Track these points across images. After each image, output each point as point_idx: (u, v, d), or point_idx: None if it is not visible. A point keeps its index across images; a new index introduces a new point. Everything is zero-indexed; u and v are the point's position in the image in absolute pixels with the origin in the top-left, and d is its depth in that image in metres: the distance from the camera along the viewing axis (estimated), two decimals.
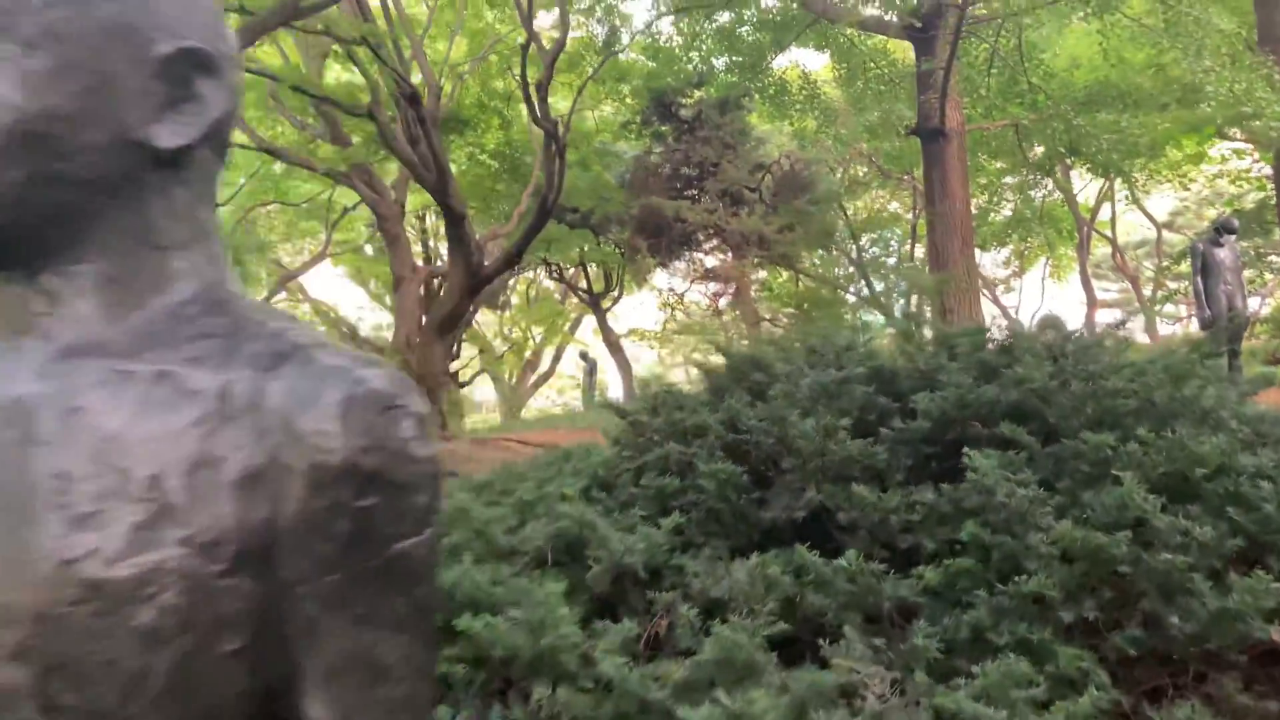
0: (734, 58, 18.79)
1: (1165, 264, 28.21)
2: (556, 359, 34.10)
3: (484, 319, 30.80)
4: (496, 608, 2.64)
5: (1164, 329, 29.32)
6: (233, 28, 1.14)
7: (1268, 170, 17.07)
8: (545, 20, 18.34)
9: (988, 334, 3.80)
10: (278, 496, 0.71)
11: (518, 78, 12.53)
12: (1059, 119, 13.19)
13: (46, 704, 0.69)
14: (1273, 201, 17.02)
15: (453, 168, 20.99)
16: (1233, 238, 12.37)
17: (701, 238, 20.76)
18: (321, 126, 14.65)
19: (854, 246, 23.97)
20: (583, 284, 25.82)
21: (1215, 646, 2.64)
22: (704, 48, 18.87)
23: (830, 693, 2.35)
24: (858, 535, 3.12)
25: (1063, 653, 2.54)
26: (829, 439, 3.13)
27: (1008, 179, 19.69)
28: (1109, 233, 30.29)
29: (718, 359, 4.11)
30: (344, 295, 42.04)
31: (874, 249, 27.80)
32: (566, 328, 32.87)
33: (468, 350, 30.16)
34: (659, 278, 22.93)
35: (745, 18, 17.99)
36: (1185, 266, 21.07)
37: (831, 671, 2.42)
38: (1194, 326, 18.15)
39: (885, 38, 16.91)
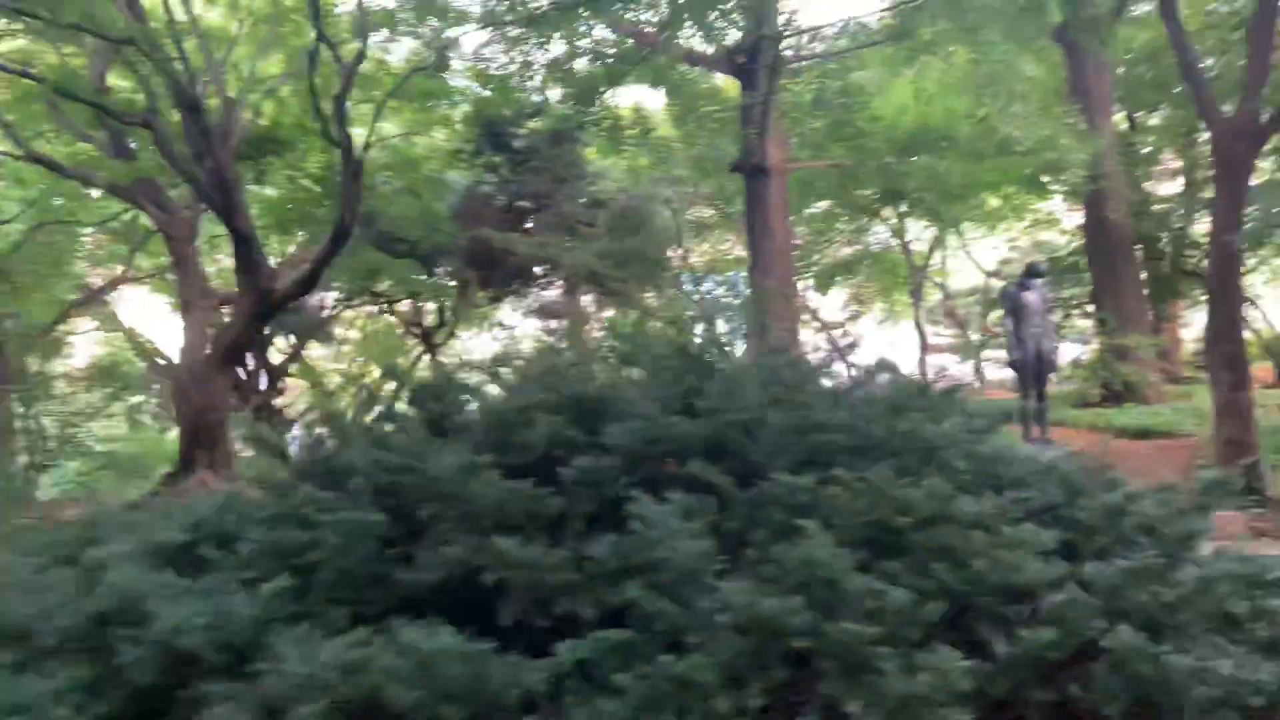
0: (567, 89, 18.40)
1: (980, 309, 29.10)
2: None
3: (322, 353, 29.46)
4: None
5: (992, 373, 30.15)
6: None
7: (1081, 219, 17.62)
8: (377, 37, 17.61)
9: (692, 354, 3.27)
10: None
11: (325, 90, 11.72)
12: (873, 160, 13.17)
13: None
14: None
15: (271, 190, 19.92)
16: (1039, 282, 12.50)
17: (536, 272, 20.21)
18: (105, 138, 13.49)
19: (696, 288, 23.85)
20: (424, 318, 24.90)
21: None
22: (537, 78, 18.43)
23: None
24: (513, 599, 2.54)
25: None
26: (472, 479, 2.54)
27: (842, 223, 19.76)
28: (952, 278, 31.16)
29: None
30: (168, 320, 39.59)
31: (719, 290, 27.85)
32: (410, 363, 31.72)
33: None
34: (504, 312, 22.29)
35: (577, 50, 17.65)
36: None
37: None
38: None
39: (722, 75, 16.81)
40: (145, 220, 19.06)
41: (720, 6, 12.81)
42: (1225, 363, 7.61)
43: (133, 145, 13.60)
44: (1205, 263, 17.27)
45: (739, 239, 27.76)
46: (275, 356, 22.14)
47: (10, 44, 13.51)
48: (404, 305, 24.04)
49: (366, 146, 11.56)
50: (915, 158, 14.29)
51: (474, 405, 3.16)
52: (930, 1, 12.74)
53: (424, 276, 20.89)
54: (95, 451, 22.59)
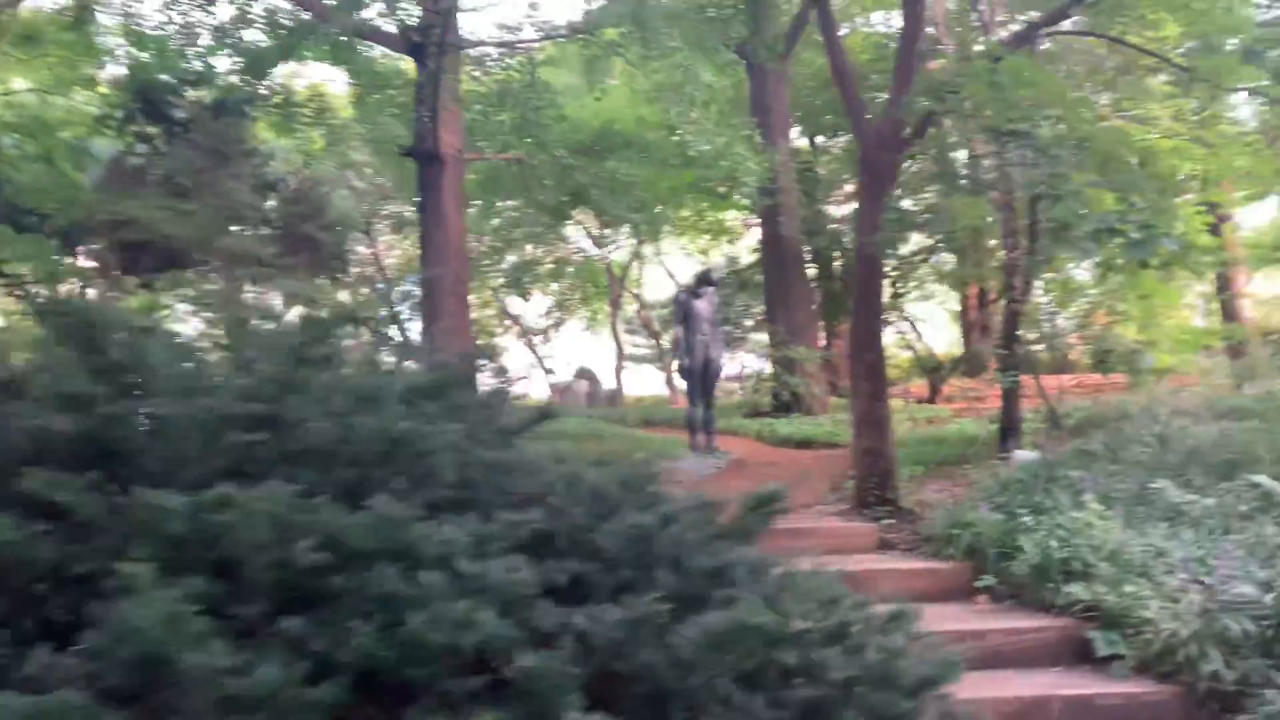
0: (236, 59, 16.70)
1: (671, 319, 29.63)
2: None
3: None
4: None
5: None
6: None
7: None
8: None
9: None
10: None
11: None
12: (549, 159, 12.65)
13: None
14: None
15: None
16: (711, 290, 12.42)
17: (195, 257, 18.24)
18: None
19: (385, 283, 22.60)
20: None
21: None
22: (202, 44, 16.61)
23: None
24: None
25: None
26: None
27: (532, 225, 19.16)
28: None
29: None
30: None
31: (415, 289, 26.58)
32: None
33: None
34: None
35: (248, 16, 16.05)
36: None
37: None
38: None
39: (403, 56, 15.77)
40: None
41: None
42: (866, 372, 7.56)
43: None
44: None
45: None
46: None
47: None
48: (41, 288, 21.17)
49: None
50: (601, 161, 13.90)
51: None
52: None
53: (62, 257, 18.37)
54: None
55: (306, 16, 14.31)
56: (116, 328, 2.19)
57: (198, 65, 16.68)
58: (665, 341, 31.43)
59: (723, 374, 12.62)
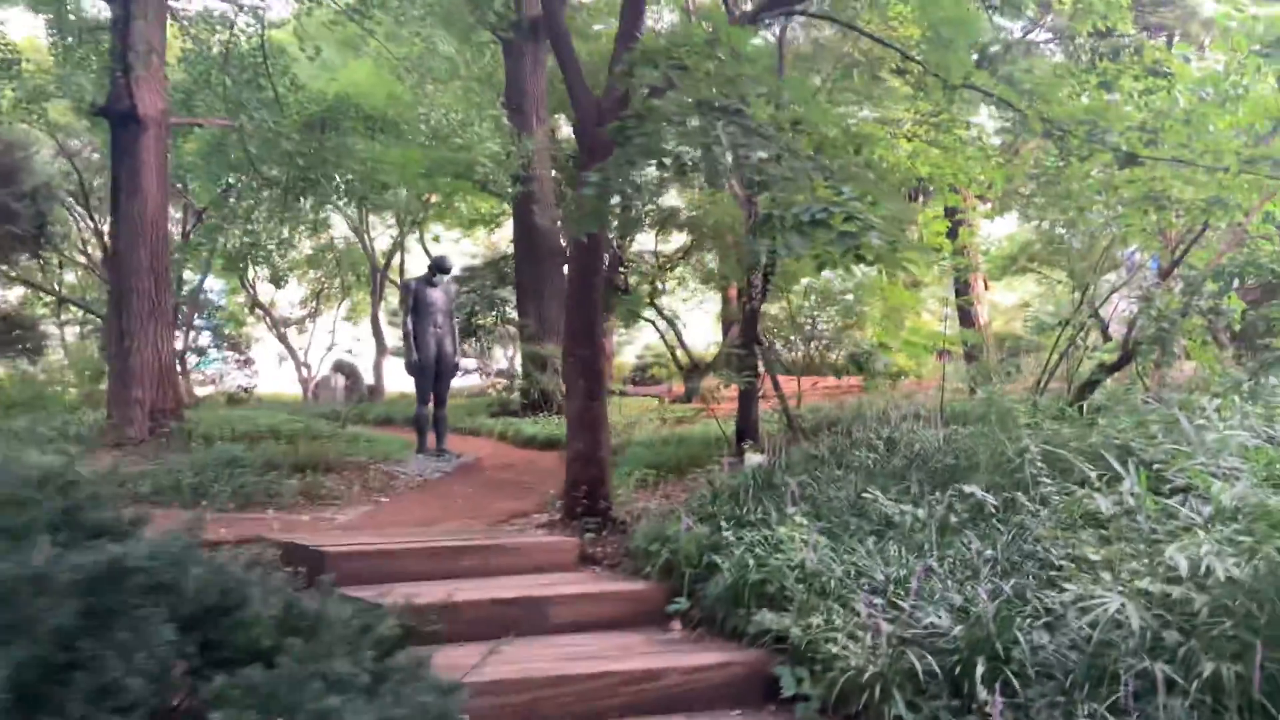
0: None
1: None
2: None
3: None
4: None
5: None
6: None
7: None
8: None
9: None
10: None
11: None
12: (283, 133, 11.38)
13: None
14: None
15: None
16: (446, 278, 11.51)
17: None
18: None
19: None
20: None
21: None
22: None
23: None
24: None
25: None
26: None
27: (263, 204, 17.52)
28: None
29: None
30: None
31: None
32: None
33: None
34: None
35: None
36: None
37: None
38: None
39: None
40: None
41: None
42: (580, 369, 6.87)
43: None
44: (634, 279, 17.68)
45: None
46: None
47: None
48: None
49: None
50: (328, 136, 12.70)
51: None
52: None
53: None
54: None
55: None
56: None
57: None
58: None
59: (459, 371, 11.71)
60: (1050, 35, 17.04)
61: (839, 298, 12.98)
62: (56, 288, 21.23)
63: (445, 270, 11.49)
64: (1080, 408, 8.90)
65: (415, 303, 11.19)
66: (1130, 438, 6.56)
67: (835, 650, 3.98)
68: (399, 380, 32.02)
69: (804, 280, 11.39)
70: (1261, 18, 9.03)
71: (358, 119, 13.14)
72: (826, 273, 11.93)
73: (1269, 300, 12.97)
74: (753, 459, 8.32)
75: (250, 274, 29.29)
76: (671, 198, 20.69)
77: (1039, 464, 6.33)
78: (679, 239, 20.80)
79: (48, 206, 15.79)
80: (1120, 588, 3.79)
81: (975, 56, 11.90)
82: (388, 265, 28.79)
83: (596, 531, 6.64)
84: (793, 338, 14.29)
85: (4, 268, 17.00)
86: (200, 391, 28.31)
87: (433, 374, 11.20)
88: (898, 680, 3.82)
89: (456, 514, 8.12)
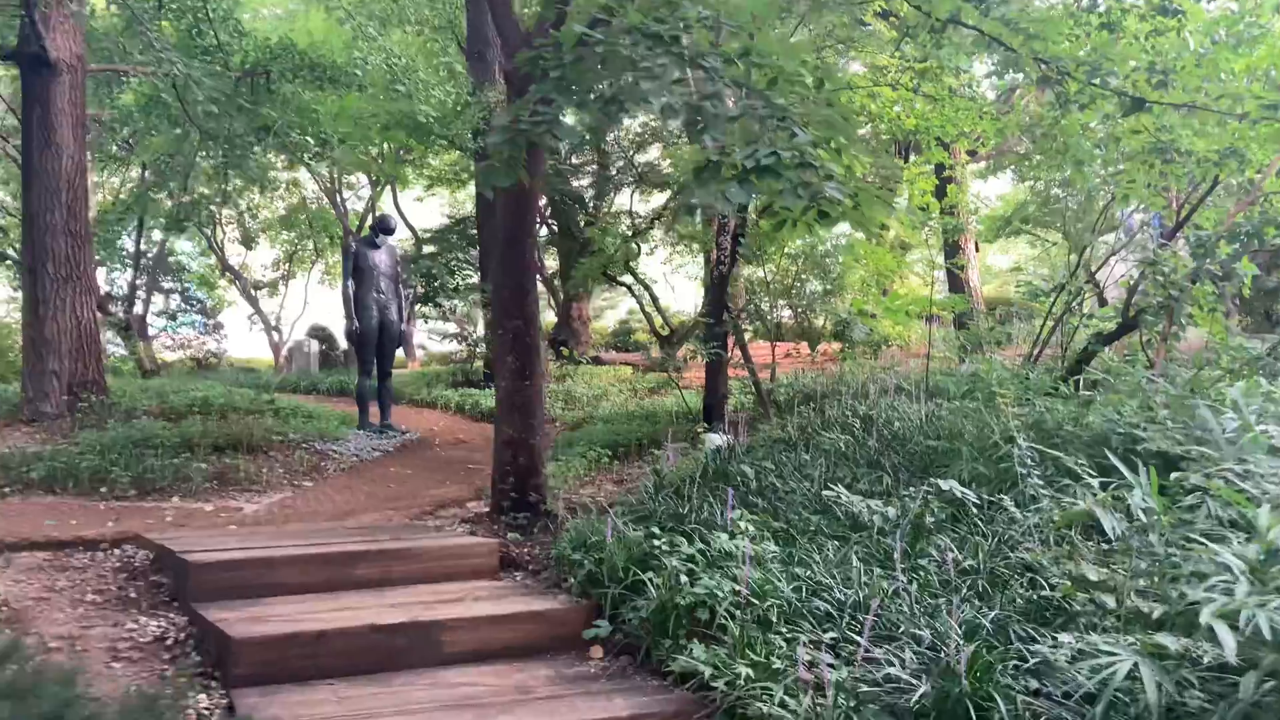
0: None
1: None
2: None
3: None
4: None
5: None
6: None
7: None
8: None
9: None
10: None
11: None
12: (197, 80, 10.36)
13: None
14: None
15: None
16: (390, 239, 10.61)
17: None
18: None
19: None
20: None
21: None
22: None
23: None
24: None
25: None
26: None
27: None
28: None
29: None
30: None
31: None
32: None
33: None
34: None
35: None
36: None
37: None
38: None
39: None
40: None
41: None
42: (511, 344, 6.02)
43: None
44: (610, 241, 16.73)
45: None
46: None
47: None
48: None
49: None
50: (270, 86, 11.72)
51: None
52: None
53: None
54: None
55: None
56: None
57: None
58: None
59: (401, 338, 10.84)
60: None
61: (822, 261, 12.11)
62: None
63: (388, 231, 10.59)
64: (1076, 382, 8.09)
65: (357, 266, 10.31)
66: (1135, 422, 5.74)
67: (767, 710, 3.15)
68: None
69: (799, 241, 10.51)
70: None
71: (303, 66, 12.14)
72: (808, 236, 11.07)
73: (1277, 265, 12.12)
74: (712, 440, 7.51)
75: (218, 235, 28.31)
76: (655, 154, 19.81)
77: (1029, 454, 5.52)
78: (662, 198, 19.89)
79: None
80: (1132, 640, 2.96)
81: None
82: (360, 227, 27.80)
83: (525, 529, 5.82)
84: (775, 303, 13.43)
85: None
86: (170, 357, 27.45)
87: (375, 343, 10.35)
88: None
89: (381, 503, 7.29)
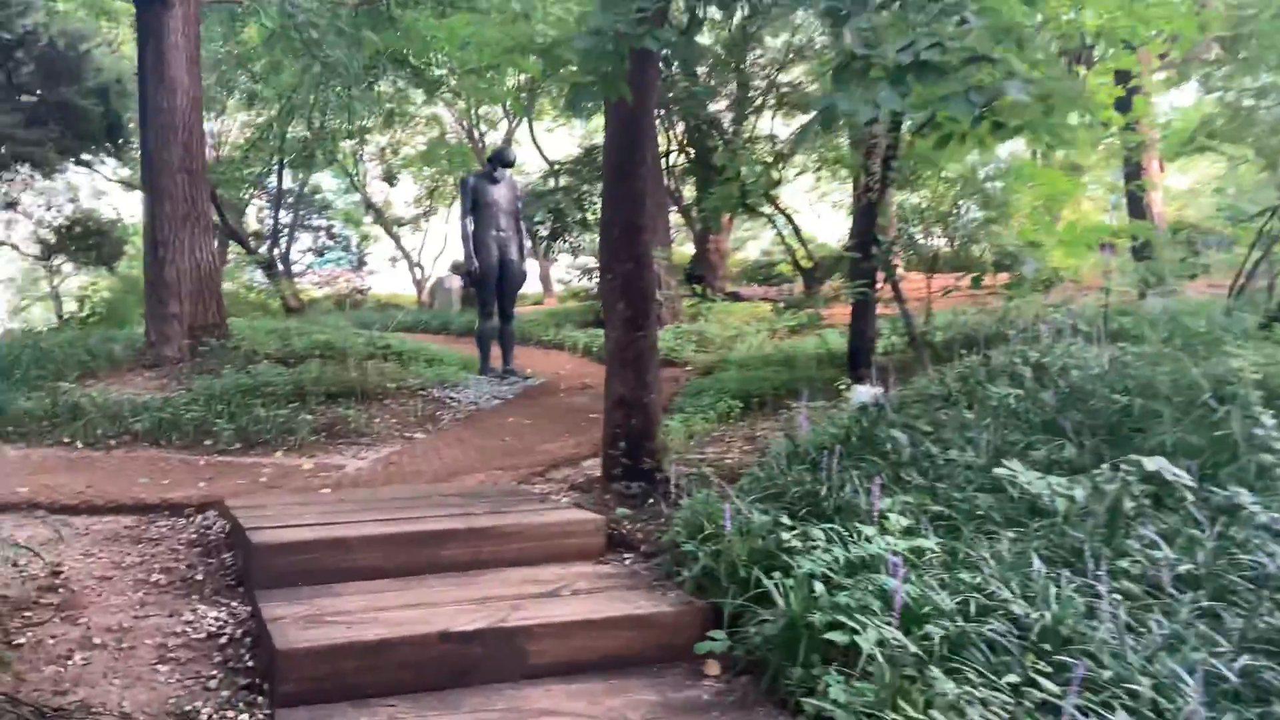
0: None
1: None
2: None
3: None
4: None
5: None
6: None
7: None
8: None
9: None
10: None
11: None
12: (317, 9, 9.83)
13: None
14: None
15: None
16: (509, 172, 9.95)
17: None
18: None
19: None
20: None
21: None
22: None
23: None
24: None
25: None
26: None
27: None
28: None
29: None
30: None
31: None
32: None
33: None
34: None
35: None
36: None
37: None
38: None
39: None
40: None
41: None
42: (622, 288, 5.26)
43: None
44: (746, 170, 15.68)
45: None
46: None
47: None
48: None
49: None
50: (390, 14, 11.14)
51: None
52: None
53: None
54: None
55: None
56: None
57: None
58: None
59: (523, 278, 10.22)
60: None
61: (983, 185, 10.85)
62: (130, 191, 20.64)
63: (507, 163, 9.92)
64: None
65: (474, 202, 9.70)
66: None
67: None
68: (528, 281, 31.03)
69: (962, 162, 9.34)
70: None
71: None
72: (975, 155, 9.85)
73: None
74: (861, 393, 6.61)
75: (360, 172, 28.44)
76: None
77: (1257, 411, 4.47)
78: (803, 120, 18.65)
79: (120, 105, 14.81)
80: None
81: None
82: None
83: (637, 501, 5.10)
84: (930, 232, 12.22)
85: (74, 170, 16.28)
86: (316, 294, 27.90)
87: (495, 283, 9.76)
88: None
89: (492, 459, 6.71)
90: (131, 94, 14.64)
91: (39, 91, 14.45)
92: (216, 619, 3.91)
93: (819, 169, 16.62)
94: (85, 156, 15.59)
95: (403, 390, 8.80)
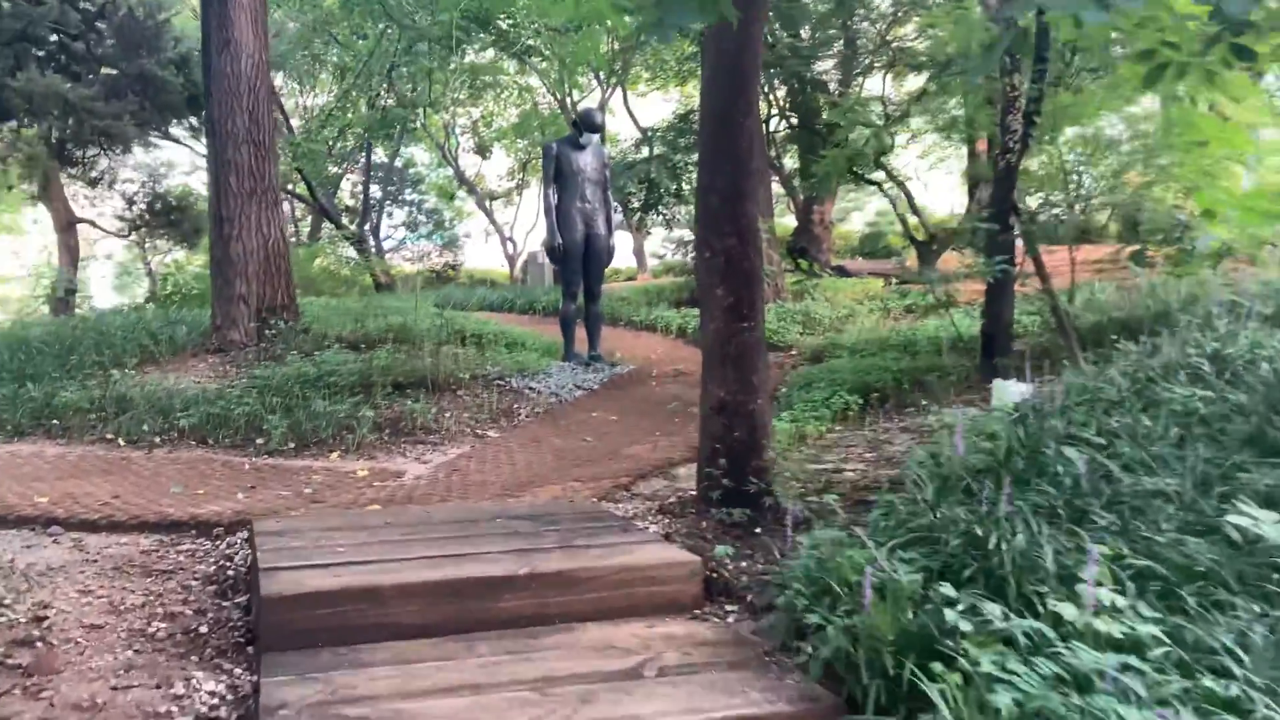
0: None
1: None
2: None
3: None
4: None
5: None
6: None
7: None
8: None
9: None
10: None
11: None
12: None
13: None
14: None
15: None
16: (596, 138, 9.04)
17: None
18: None
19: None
20: None
21: None
22: None
23: None
24: None
25: None
26: None
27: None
28: None
29: None
30: None
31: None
32: None
33: None
34: None
35: None
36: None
37: None
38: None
39: None
40: None
41: None
42: (722, 270, 4.29)
43: None
44: (855, 134, 14.44)
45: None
46: None
47: None
48: None
49: None
50: None
51: None
52: None
53: None
54: None
55: None
56: None
57: None
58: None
59: (610, 254, 9.31)
60: None
61: (1119, 145, 9.52)
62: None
63: (595, 127, 8.99)
64: None
65: (559, 170, 8.81)
66: None
67: None
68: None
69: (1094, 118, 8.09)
70: None
71: None
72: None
73: None
74: (1007, 392, 5.57)
75: (452, 145, 27.88)
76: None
77: None
78: (917, 81, 17.28)
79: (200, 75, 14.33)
80: None
81: None
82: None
83: (742, 533, 4.15)
84: (1075, 199, 10.88)
85: (155, 144, 15.92)
86: (409, 269, 27.52)
87: (580, 261, 8.88)
88: None
89: (570, 466, 5.83)
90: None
91: (120, 65, 14.05)
92: (212, 695, 3.10)
93: (941, 131, 15.23)
94: (170, 130, 15.19)
95: (478, 379, 8.00)
